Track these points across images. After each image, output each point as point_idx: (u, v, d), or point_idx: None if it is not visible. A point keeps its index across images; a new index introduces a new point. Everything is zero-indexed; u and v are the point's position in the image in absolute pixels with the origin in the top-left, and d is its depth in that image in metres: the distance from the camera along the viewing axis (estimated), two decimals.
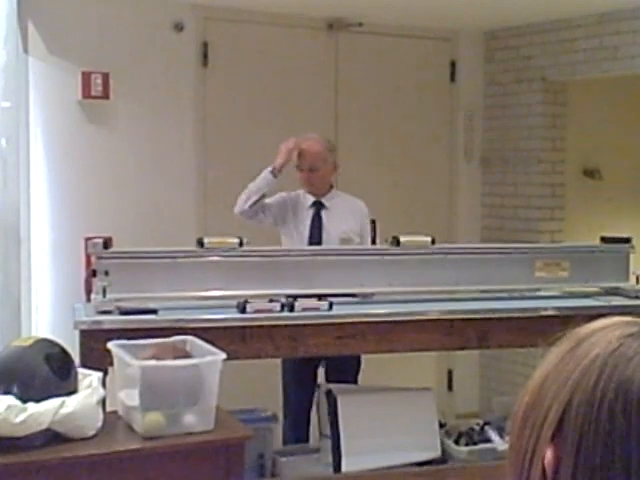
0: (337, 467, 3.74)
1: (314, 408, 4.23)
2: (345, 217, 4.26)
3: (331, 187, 4.32)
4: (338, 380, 4.03)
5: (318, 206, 4.26)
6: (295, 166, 4.24)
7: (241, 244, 3.65)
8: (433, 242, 3.89)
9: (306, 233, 4.21)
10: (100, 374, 2.76)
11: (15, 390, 2.51)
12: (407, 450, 3.81)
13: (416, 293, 3.94)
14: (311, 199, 4.27)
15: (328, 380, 4.19)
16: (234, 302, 3.56)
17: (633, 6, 4.78)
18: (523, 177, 5.57)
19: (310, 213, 4.25)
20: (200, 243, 3.62)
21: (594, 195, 5.73)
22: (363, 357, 4.23)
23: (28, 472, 2.48)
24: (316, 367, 4.22)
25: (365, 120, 5.46)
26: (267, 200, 4.19)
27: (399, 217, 5.09)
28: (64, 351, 2.69)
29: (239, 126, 5.09)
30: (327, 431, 3.82)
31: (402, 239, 3.84)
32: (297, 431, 4.06)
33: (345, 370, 4.11)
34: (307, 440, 4.22)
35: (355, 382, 4.21)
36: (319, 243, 4.18)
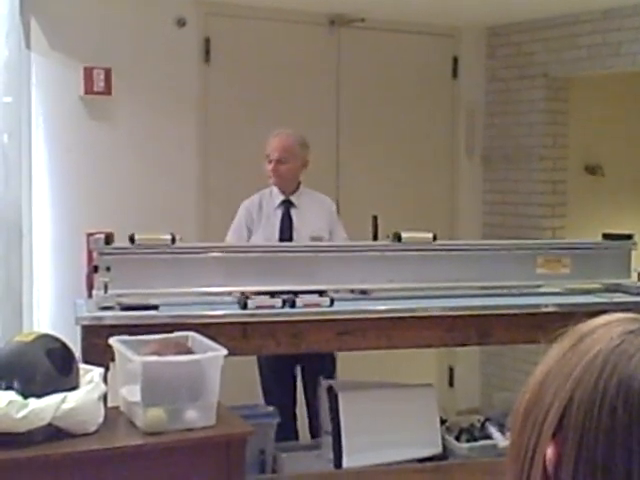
0: (338, 463, 3.74)
1: (304, 405, 4.25)
2: (314, 215, 4.24)
3: (299, 184, 4.27)
4: (314, 379, 4.04)
5: (287, 205, 4.22)
6: (265, 156, 4.20)
7: (173, 241, 3.60)
8: (435, 238, 3.88)
9: (276, 233, 4.17)
10: (101, 370, 2.76)
11: (16, 385, 2.51)
12: (408, 446, 3.81)
13: (417, 289, 3.94)
14: (279, 198, 4.22)
15: (304, 379, 4.22)
16: (235, 298, 3.56)
17: (636, 2, 4.77)
18: (525, 174, 5.57)
19: (279, 212, 4.21)
20: (131, 239, 3.54)
21: (596, 192, 5.73)
22: (339, 356, 4.26)
23: (30, 467, 2.48)
24: (293, 365, 4.23)
25: (367, 116, 5.46)
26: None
27: (400, 213, 5.08)
28: (65, 347, 2.70)
29: (241, 122, 5.09)
30: (328, 427, 3.82)
31: (403, 235, 3.84)
32: (284, 429, 4.06)
33: (321, 369, 4.11)
34: (297, 437, 4.23)
35: (332, 377, 4.21)
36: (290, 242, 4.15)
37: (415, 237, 3.88)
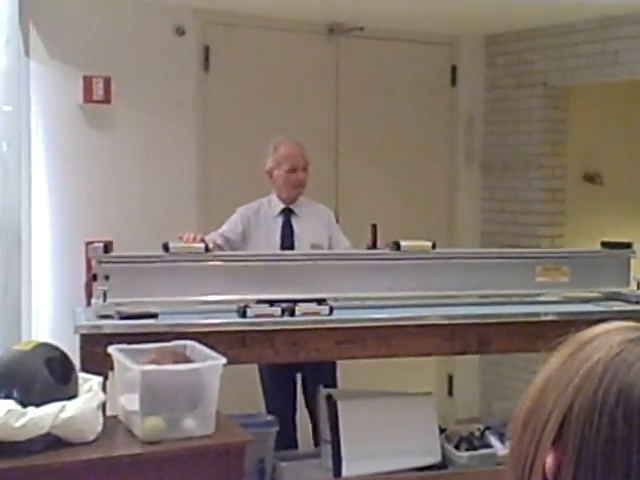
0: (337, 472, 3.73)
1: (306, 413, 4.24)
2: (314, 223, 4.21)
3: None
4: (315, 387, 4.03)
5: (287, 213, 4.19)
6: (285, 169, 4.12)
7: (207, 249, 3.61)
8: (434, 247, 3.88)
9: (277, 241, 4.14)
10: (100, 378, 2.76)
11: (15, 394, 2.51)
12: (407, 455, 3.81)
13: (416, 298, 3.94)
14: (280, 206, 4.19)
15: (305, 387, 4.21)
16: (234, 307, 3.56)
17: (634, 11, 4.78)
18: (523, 182, 5.57)
19: (279, 221, 4.18)
20: (165, 248, 3.57)
21: (595, 200, 5.74)
22: (339, 364, 4.23)
23: (28, 477, 2.48)
24: (294, 373, 4.22)
25: (366, 124, 5.47)
26: (219, 241, 4.08)
27: (399, 222, 5.08)
28: (64, 355, 2.69)
29: (240, 130, 5.10)
30: (327, 436, 3.81)
31: (403, 244, 3.84)
32: (284, 438, 4.06)
33: (321, 377, 4.10)
34: (296, 446, 4.22)
35: (334, 386, 4.20)
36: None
37: (414, 245, 3.88)
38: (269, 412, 4.10)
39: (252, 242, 4.17)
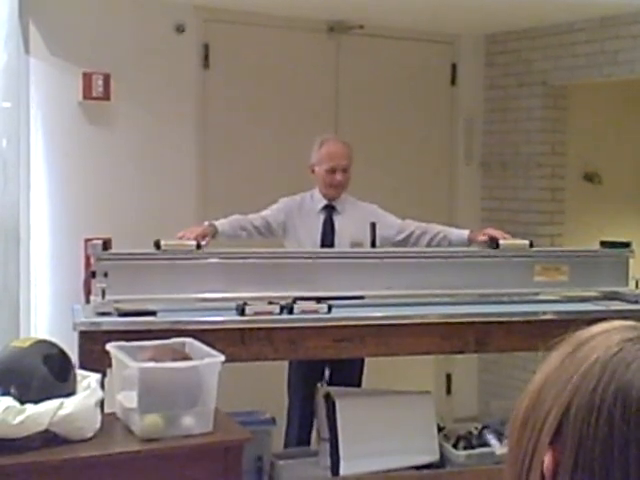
0: (335, 470, 3.74)
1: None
2: (356, 221, 4.13)
3: None
4: (342, 383, 4.02)
5: (329, 210, 4.14)
6: (324, 168, 4.09)
7: (199, 247, 3.61)
8: (531, 245, 3.93)
9: (318, 238, 4.09)
10: (99, 376, 2.76)
11: (13, 391, 2.51)
12: (405, 454, 3.81)
13: (415, 296, 3.94)
14: (322, 202, 4.14)
15: (331, 383, 4.15)
16: (233, 304, 3.55)
17: (633, 10, 4.79)
18: (523, 181, 5.57)
19: (321, 217, 4.13)
20: (157, 245, 3.56)
21: (594, 199, 5.74)
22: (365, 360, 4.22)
23: (26, 473, 2.48)
24: (322, 371, 4.17)
25: (365, 123, 5.46)
26: (257, 222, 4.04)
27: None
28: (63, 352, 2.69)
29: (240, 128, 5.09)
30: (325, 434, 3.82)
31: (501, 242, 3.92)
32: (301, 435, 4.05)
33: (349, 373, 4.09)
34: (308, 443, 4.21)
35: (359, 385, 4.18)
36: (331, 247, 4.08)
37: (513, 244, 3.95)
38: (291, 407, 4.09)
39: (293, 236, 4.11)
